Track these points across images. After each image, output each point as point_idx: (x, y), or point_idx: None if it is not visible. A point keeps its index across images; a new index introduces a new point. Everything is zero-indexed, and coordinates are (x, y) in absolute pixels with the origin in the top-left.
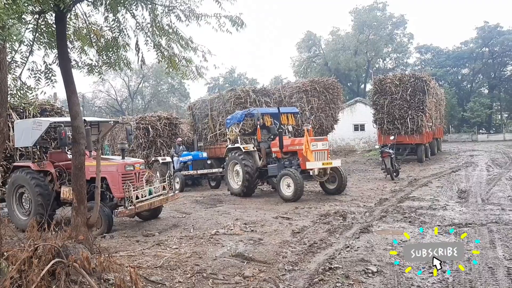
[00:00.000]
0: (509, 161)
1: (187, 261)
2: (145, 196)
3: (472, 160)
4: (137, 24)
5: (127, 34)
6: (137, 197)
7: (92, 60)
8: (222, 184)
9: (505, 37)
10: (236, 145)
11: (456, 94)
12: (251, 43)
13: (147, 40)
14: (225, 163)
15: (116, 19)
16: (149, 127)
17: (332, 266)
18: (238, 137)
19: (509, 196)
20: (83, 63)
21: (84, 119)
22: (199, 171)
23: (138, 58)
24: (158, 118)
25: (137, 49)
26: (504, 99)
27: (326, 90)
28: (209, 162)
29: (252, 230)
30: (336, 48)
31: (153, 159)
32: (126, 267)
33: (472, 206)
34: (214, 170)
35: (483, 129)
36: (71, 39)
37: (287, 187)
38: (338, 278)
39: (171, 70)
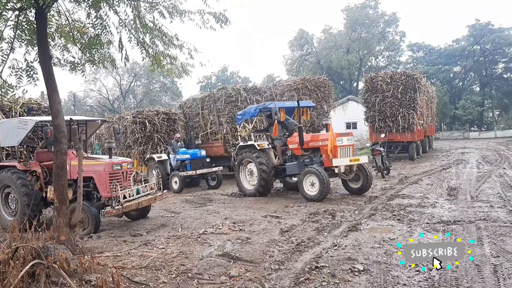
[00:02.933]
0: (500, 158)
1: (173, 261)
2: (133, 195)
3: (463, 158)
4: (120, 21)
5: (110, 31)
6: (124, 197)
7: (74, 57)
8: (222, 183)
9: (496, 35)
10: (250, 142)
11: (448, 92)
12: (243, 42)
13: (131, 37)
14: (236, 162)
15: (99, 16)
16: (146, 122)
17: (319, 265)
18: (252, 134)
19: (498, 193)
20: (65, 60)
21: (71, 118)
22: (198, 171)
23: (122, 55)
24: (156, 112)
25: (120, 46)
26: (496, 96)
27: (318, 88)
28: (208, 160)
29: (240, 229)
30: (329, 46)
31: (148, 156)
32: (109, 267)
33: (461, 203)
34: (214, 169)
35: (475, 126)
36: (53, 37)
37: (310, 186)
38: (324, 277)
39: (156, 67)
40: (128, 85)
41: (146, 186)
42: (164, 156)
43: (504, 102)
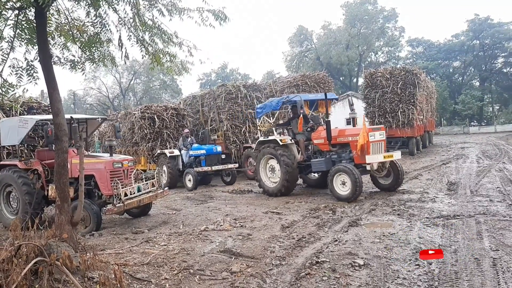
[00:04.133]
0: (500, 153)
1: (174, 258)
2: (134, 193)
3: (463, 153)
4: (120, 19)
5: (110, 29)
6: (125, 194)
7: (74, 56)
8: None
9: (495, 29)
10: (271, 137)
11: (447, 87)
12: (243, 39)
13: (130, 35)
14: (256, 159)
15: (98, 14)
16: (155, 117)
17: (319, 260)
18: (273, 128)
19: (497, 187)
20: (65, 59)
21: (72, 116)
22: (214, 167)
23: (122, 54)
24: (165, 108)
25: (120, 44)
26: (495, 91)
27: (317, 85)
28: (223, 156)
29: (241, 226)
30: (328, 42)
31: (158, 151)
32: (112, 264)
33: (461, 198)
34: (230, 166)
35: (475, 121)
36: (53, 35)
37: (342, 185)
38: (324, 272)
39: (155, 65)
40: (127, 83)
41: (147, 183)
42: (176, 152)
43: (503, 97)
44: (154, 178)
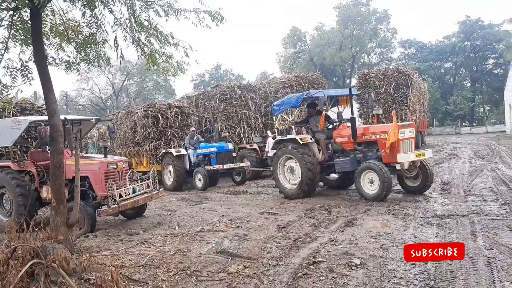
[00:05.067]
0: (491, 153)
1: (171, 259)
2: (129, 194)
3: (455, 153)
4: (115, 20)
5: (105, 30)
6: (120, 196)
7: (69, 57)
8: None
9: (486, 31)
10: (290, 136)
11: (439, 88)
12: (237, 39)
13: (126, 36)
14: (273, 159)
15: (94, 15)
16: (159, 115)
17: (316, 260)
18: (293, 126)
19: (490, 187)
20: (60, 60)
21: (65, 117)
22: (225, 166)
23: (117, 54)
24: (169, 106)
25: (115, 45)
26: (486, 92)
27: (311, 85)
28: (234, 155)
29: (237, 226)
30: (321, 43)
31: (163, 151)
32: (108, 266)
33: (455, 197)
34: (241, 164)
35: (466, 122)
36: (48, 36)
37: (369, 184)
38: (322, 272)
39: (151, 66)
40: (120, 83)
41: (142, 184)
42: (182, 151)
43: (494, 98)
44: (149, 179)
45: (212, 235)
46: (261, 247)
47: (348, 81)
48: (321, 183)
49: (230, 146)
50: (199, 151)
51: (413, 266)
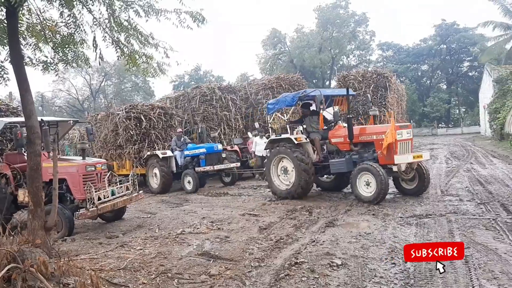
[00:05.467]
0: (467, 153)
1: (151, 262)
2: (108, 197)
3: (432, 153)
4: (94, 20)
5: (84, 30)
6: (99, 198)
7: (47, 57)
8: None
9: (461, 34)
10: (285, 135)
11: (416, 90)
12: (217, 41)
13: (105, 36)
14: (266, 159)
15: (72, 15)
16: (142, 117)
17: (298, 261)
18: (287, 125)
19: (466, 187)
20: (37, 60)
21: (42, 119)
22: (216, 167)
23: (96, 55)
24: (152, 107)
25: (94, 45)
26: (462, 94)
27: (292, 87)
28: (224, 155)
29: (218, 228)
30: (301, 45)
31: (148, 153)
32: (87, 270)
33: (432, 197)
34: (232, 165)
35: (442, 123)
36: (24, 36)
37: (365, 186)
38: (303, 272)
39: (131, 67)
40: (98, 84)
41: (121, 187)
42: (169, 153)
43: (469, 100)
44: (129, 181)
45: (193, 238)
46: (242, 248)
47: (327, 83)
48: (314, 185)
49: (220, 146)
50: (186, 152)
51: (393, 265)
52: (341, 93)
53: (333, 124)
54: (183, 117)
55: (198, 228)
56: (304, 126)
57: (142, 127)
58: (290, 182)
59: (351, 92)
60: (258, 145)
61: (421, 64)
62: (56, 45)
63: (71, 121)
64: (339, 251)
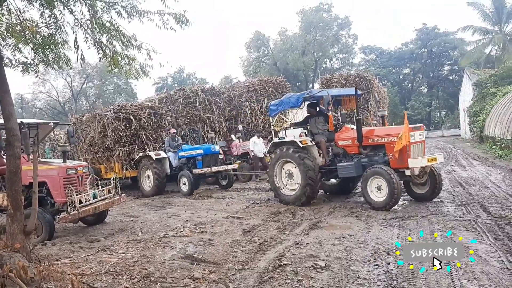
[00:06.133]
0: (447, 156)
1: (134, 266)
2: (89, 200)
3: None
4: (76, 21)
5: (65, 30)
6: (80, 202)
7: (27, 58)
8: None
9: (442, 38)
10: (288, 138)
11: (398, 93)
12: (200, 43)
13: (87, 37)
14: (270, 162)
15: (53, 15)
16: (131, 117)
17: (282, 263)
18: (292, 128)
19: (447, 189)
20: (17, 61)
21: (22, 121)
22: (214, 168)
23: (78, 56)
24: (141, 107)
25: (76, 46)
26: (442, 97)
27: (276, 90)
28: (221, 157)
29: (202, 231)
30: (285, 48)
31: (140, 155)
32: (68, 275)
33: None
34: (230, 167)
35: (424, 126)
36: (3, 36)
37: (377, 190)
38: (287, 275)
39: (113, 68)
40: (79, 86)
41: (103, 190)
42: (163, 154)
43: (449, 103)
44: (111, 185)
45: (177, 241)
46: (226, 251)
47: (311, 85)
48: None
49: (217, 147)
50: (181, 153)
51: (376, 267)
52: (348, 93)
53: (340, 126)
54: (173, 117)
55: (181, 231)
56: (309, 127)
57: (132, 128)
58: (295, 186)
59: (359, 92)
60: (257, 146)
61: (403, 68)
62: (37, 46)
63: (52, 123)
64: (322, 253)
